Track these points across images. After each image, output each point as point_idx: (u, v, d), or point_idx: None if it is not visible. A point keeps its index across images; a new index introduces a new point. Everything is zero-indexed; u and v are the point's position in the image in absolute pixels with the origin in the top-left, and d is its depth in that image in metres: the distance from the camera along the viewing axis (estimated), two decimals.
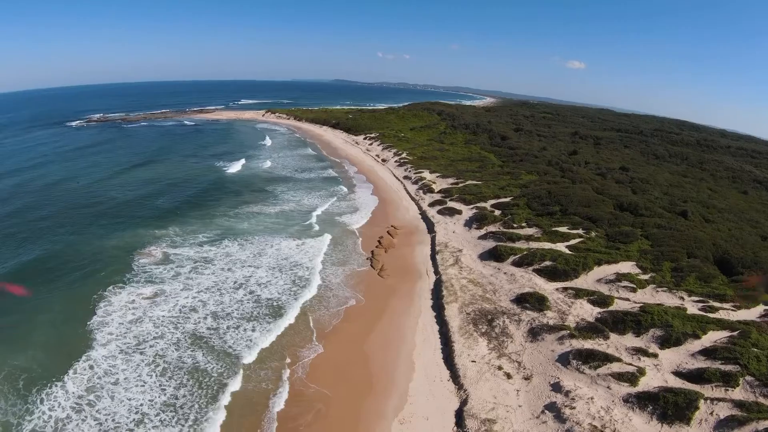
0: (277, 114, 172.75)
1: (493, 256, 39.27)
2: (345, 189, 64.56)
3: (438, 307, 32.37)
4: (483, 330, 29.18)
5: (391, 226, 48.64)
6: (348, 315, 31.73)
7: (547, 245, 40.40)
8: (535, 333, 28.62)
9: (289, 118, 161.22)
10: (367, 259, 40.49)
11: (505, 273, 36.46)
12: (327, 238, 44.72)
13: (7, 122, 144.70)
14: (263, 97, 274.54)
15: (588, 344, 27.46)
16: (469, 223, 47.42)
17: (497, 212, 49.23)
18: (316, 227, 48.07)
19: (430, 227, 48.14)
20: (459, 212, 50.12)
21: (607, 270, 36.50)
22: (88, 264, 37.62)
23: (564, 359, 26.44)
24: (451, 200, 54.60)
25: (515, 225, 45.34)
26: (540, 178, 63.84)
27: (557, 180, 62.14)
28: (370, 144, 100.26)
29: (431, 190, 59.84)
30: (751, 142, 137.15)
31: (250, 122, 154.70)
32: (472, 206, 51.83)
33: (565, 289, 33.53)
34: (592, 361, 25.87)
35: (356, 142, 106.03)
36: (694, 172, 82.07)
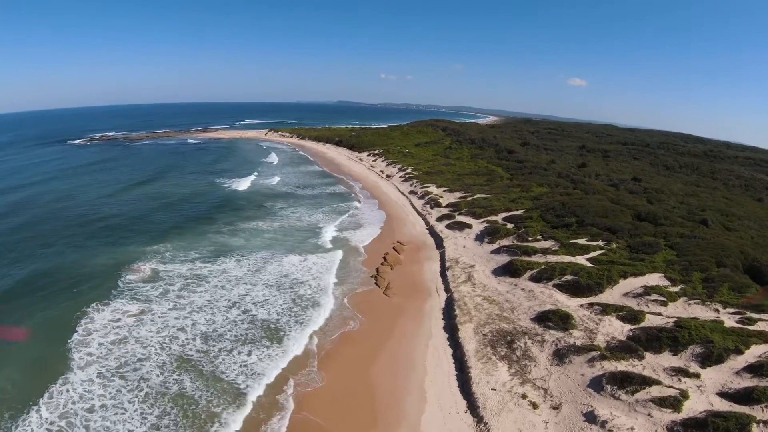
0: (280, 133, 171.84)
1: (509, 271, 36.32)
2: (348, 205, 61.97)
3: (451, 328, 29.37)
4: (502, 353, 26.12)
5: (397, 242, 45.86)
6: (351, 338, 28.81)
7: (567, 258, 37.42)
8: (561, 355, 25.55)
9: (292, 137, 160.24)
10: (371, 276, 37.65)
11: (522, 289, 33.46)
12: (330, 255, 42.03)
13: (12, 140, 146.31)
14: (267, 118, 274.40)
15: (621, 366, 24.41)
16: (480, 237, 44.57)
17: (510, 225, 46.36)
18: (319, 244, 45.38)
19: (439, 242, 45.31)
20: (469, 226, 47.32)
21: (634, 283, 33.49)
22: (72, 280, 35.35)
23: (596, 384, 23.36)
24: (459, 214, 51.83)
25: (530, 238, 42.44)
26: (551, 190, 61.07)
27: (570, 191, 59.36)
28: (374, 160, 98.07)
29: (438, 205, 57.16)
30: (757, 152, 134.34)
31: (252, 141, 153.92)
32: (482, 220, 49.03)
33: (591, 305, 30.47)
34: (628, 384, 22.80)
35: (360, 159, 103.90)
36: (706, 181, 79.51)
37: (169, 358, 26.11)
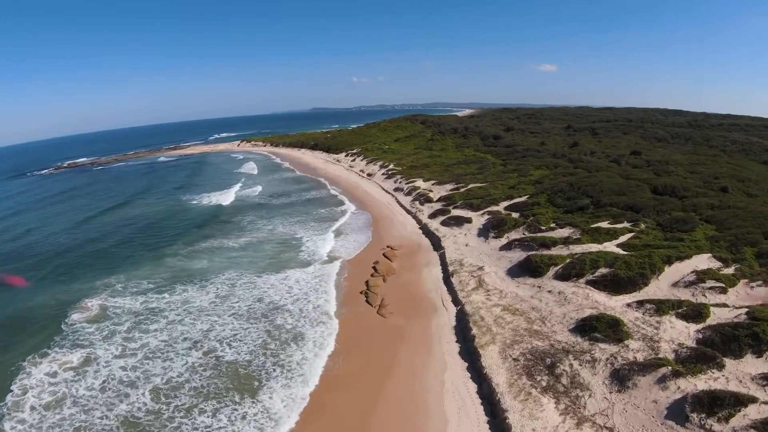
0: (252, 142, 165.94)
1: (527, 269, 29.89)
2: (328, 211, 55.18)
3: (469, 354, 22.79)
4: (544, 383, 19.60)
5: (387, 246, 39.26)
6: (339, 379, 22.07)
7: (594, 247, 31.09)
8: (621, 377, 19.14)
9: (265, 145, 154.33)
10: (361, 293, 31.00)
11: (549, 291, 27.02)
12: (310, 271, 35.42)
13: None
14: (242, 130, 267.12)
15: (701, 382, 18.20)
16: (484, 232, 38.13)
17: (515, 215, 40.05)
18: (297, 259, 38.68)
19: (436, 243, 38.78)
20: (468, 220, 40.86)
21: (681, 269, 27.28)
22: (12, 327, 29.39)
23: (677, 412, 17.14)
24: (455, 208, 45.43)
25: (543, 227, 36.17)
26: (552, 171, 55.04)
27: (572, 171, 53.34)
28: (353, 160, 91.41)
29: (429, 200, 50.69)
30: (738, 119, 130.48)
31: (224, 153, 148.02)
32: (482, 212, 42.68)
33: (640, 303, 24.16)
34: (719, 409, 16.63)
35: (337, 161, 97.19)
36: (702, 149, 74.35)
37: (113, 423, 19.82)
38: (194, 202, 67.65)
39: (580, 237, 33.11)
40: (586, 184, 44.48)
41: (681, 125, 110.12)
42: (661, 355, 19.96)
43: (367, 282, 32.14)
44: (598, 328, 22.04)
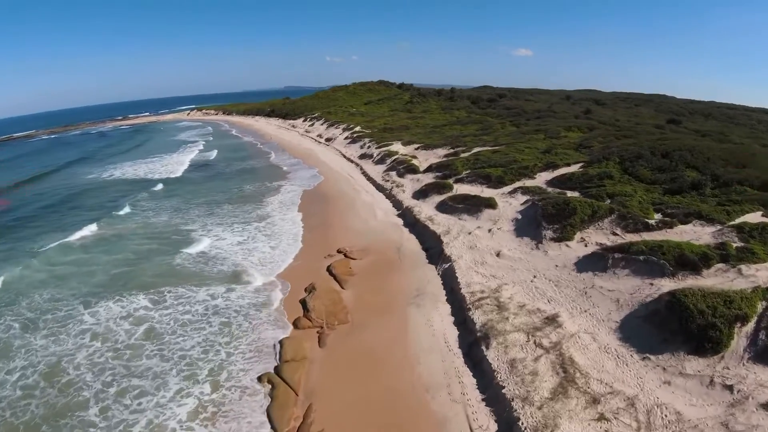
0: (203, 111, 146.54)
1: (680, 337, 11.57)
2: (255, 187, 36.12)
3: None
4: None
5: (339, 250, 20.58)
6: None
7: None
8: None
9: (217, 113, 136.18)
10: (267, 384, 12.29)
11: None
12: (200, 297, 17.42)
13: None
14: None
15: None
16: (527, 228, 19.52)
17: (576, 195, 21.66)
18: (179, 275, 20.18)
19: (433, 246, 20.17)
20: (488, 204, 22.19)
21: None
22: None
23: None
24: (459, 181, 26.88)
25: (647, 220, 17.92)
26: (591, 134, 36.94)
27: (626, 134, 35.50)
28: (311, 125, 71.80)
29: (413, 169, 31.97)
30: (733, 108, 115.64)
31: (168, 123, 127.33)
32: (509, 189, 24.27)
33: None
34: None
35: (293, 126, 77.67)
36: (730, 127, 58.28)
37: None
38: (91, 176, 47.67)
39: (744, 246, 14.99)
40: (675, 149, 26.49)
41: (681, 105, 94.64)
42: None
43: (281, 346, 13.67)
44: None
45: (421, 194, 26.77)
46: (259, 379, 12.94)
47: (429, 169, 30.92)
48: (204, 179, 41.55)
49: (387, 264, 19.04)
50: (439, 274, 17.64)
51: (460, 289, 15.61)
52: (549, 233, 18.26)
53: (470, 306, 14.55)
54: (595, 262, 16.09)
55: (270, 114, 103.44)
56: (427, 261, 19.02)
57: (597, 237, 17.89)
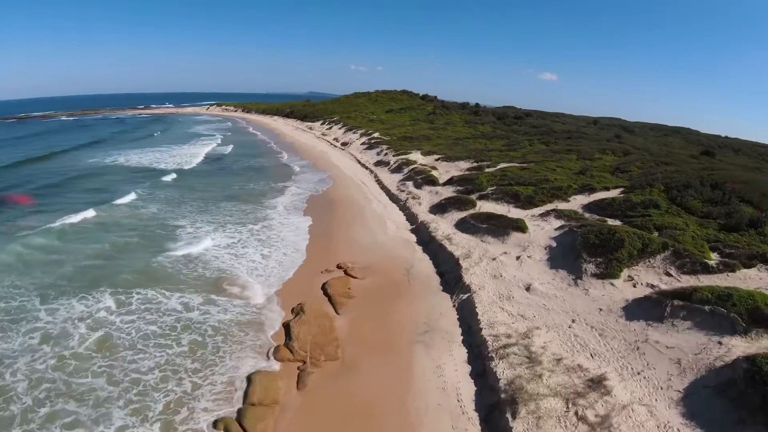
0: (223, 107, 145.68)
1: None
2: (260, 186, 33.63)
3: None
4: None
5: (338, 266, 17.79)
6: None
7: None
8: None
9: (236, 110, 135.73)
10: None
11: None
12: (172, 319, 14.35)
13: None
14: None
15: None
16: (563, 259, 16.50)
17: (618, 224, 18.64)
18: (154, 285, 17.35)
19: (449, 270, 17.25)
20: (516, 226, 19.16)
21: None
22: None
23: None
24: (483, 198, 23.97)
25: (705, 261, 14.85)
26: (627, 158, 33.87)
27: (664, 160, 32.41)
28: (328, 128, 69.49)
29: (431, 181, 29.13)
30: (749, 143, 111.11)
31: (186, 115, 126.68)
32: (540, 210, 21.33)
33: None
34: None
35: (310, 128, 75.45)
36: (763, 164, 54.66)
37: None
38: (93, 160, 45.89)
39: None
40: (724, 179, 23.40)
41: (707, 139, 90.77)
42: None
43: (240, 414, 10.62)
44: None
45: (439, 209, 23.89)
46: (215, 425, 10.15)
47: (449, 182, 28.04)
48: (207, 174, 39.18)
49: (393, 287, 16.15)
50: (454, 306, 14.71)
51: (481, 329, 12.67)
52: (590, 267, 15.25)
53: (492, 354, 11.60)
54: (648, 309, 13.07)
55: (289, 115, 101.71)
56: (441, 288, 16.09)
57: (648, 276, 14.89)
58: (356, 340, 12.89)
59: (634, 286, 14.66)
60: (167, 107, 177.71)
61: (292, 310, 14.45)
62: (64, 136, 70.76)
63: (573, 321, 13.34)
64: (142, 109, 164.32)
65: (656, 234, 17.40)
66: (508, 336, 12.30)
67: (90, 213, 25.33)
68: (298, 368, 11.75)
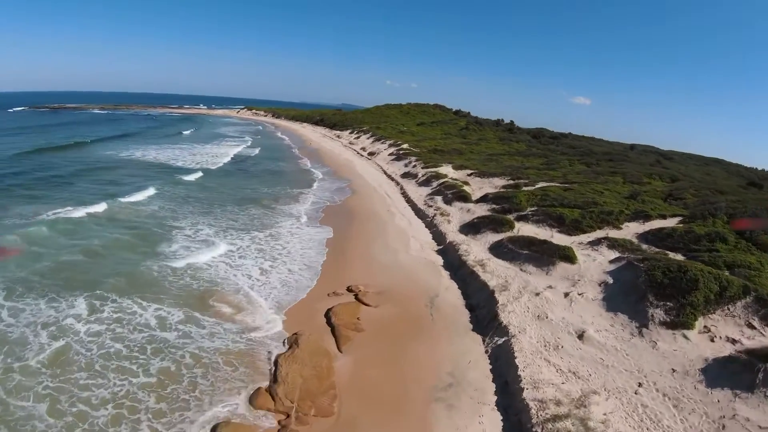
0: (254, 111, 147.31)
1: None
2: (278, 196, 31.43)
3: None
4: None
5: (349, 289, 15.09)
6: None
7: None
8: None
9: (266, 115, 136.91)
10: None
11: None
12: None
13: None
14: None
15: None
16: (622, 299, 13.45)
17: (679, 257, 15.46)
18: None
19: (480, 302, 14.37)
20: (566, 257, 16.12)
21: None
22: None
23: None
24: (521, 219, 21.03)
25: None
26: (678, 185, 30.45)
27: (714, 188, 29.02)
28: (357, 137, 67.34)
29: (463, 197, 26.28)
30: None
31: (215, 116, 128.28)
32: (588, 238, 18.28)
33: None
34: None
35: (338, 136, 73.56)
36: None
37: None
38: (109, 152, 44.72)
39: None
40: None
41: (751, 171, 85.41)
42: None
43: None
44: None
45: (471, 228, 21.01)
46: None
47: (483, 199, 25.14)
48: (224, 175, 37.19)
49: (412, 321, 13.33)
50: (487, 351, 11.79)
51: (522, 389, 9.74)
52: (659, 313, 12.17)
53: (537, 428, 8.68)
54: (735, 373, 10.00)
55: (318, 122, 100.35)
56: (471, 326, 13.19)
57: (727, 328, 11.77)
58: (359, 391, 10.09)
59: (712, 340, 11.57)
60: (199, 108, 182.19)
61: (285, 341, 11.78)
62: (90, 127, 70.88)
63: (639, 385, 10.32)
64: (174, 108, 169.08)
65: (727, 273, 14.26)
66: (558, 403, 9.35)
67: (90, 208, 23.41)
68: (279, 423, 9.04)
